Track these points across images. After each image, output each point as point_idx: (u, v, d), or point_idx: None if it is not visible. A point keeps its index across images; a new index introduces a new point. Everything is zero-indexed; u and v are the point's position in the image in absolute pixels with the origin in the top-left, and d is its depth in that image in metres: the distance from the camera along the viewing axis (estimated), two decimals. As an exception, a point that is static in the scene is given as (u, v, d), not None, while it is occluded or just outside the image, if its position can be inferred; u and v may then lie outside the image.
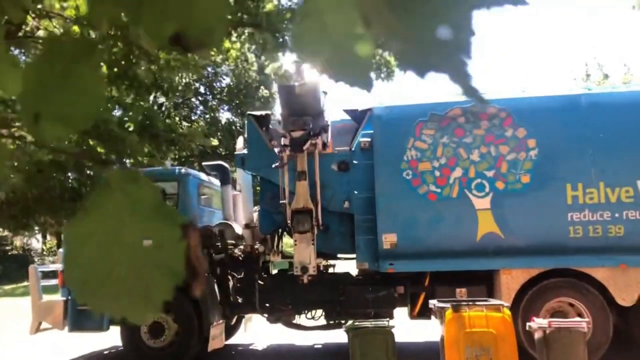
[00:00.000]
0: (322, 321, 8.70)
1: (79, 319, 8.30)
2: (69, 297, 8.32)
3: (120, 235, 0.51)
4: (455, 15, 0.55)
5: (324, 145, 8.08)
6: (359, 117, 8.49)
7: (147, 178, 0.53)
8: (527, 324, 6.23)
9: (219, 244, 8.57)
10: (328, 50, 0.51)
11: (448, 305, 5.85)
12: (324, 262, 8.73)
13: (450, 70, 0.56)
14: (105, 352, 9.61)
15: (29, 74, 0.54)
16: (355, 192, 8.20)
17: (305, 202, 7.96)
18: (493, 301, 6.34)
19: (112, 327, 8.36)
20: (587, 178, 7.56)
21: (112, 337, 8.94)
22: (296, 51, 0.53)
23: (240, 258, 8.97)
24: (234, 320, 9.51)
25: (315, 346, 9.52)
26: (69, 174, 5.83)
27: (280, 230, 8.98)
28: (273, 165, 8.23)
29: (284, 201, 8.20)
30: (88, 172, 5.81)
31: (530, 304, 7.48)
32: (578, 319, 6.54)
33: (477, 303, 5.99)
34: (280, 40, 8.36)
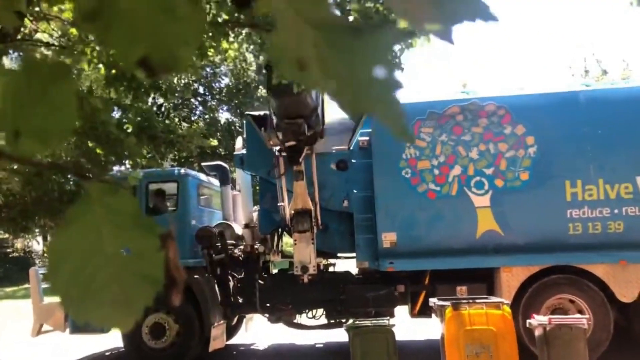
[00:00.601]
0: (323, 320, 8.71)
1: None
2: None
3: (101, 247, 0.52)
4: (388, 53, 0.56)
5: (320, 136, 7.80)
6: (357, 115, 8.48)
7: (126, 190, 0.54)
8: (527, 321, 6.23)
9: (218, 244, 8.57)
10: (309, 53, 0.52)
11: (448, 303, 5.85)
12: (324, 262, 8.74)
13: (383, 111, 0.57)
14: (107, 354, 9.61)
15: (7, 92, 0.55)
16: (354, 191, 8.21)
17: (303, 203, 7.94)
18: (493, 299, 6.34)
19: (113, 329, 8.37)
20: (586, 175, 7.57)
21: (113, 339, 8.95)
22: (274, 55, 0.54)
23: (240, 258, 8.98)
24: (235, 320, 9.52)
25: (317, 345, 9.53)
26: (68, 176, 5.86)
27: (280, 230, 8.99)
28: (269, 172, 8.18)
29: (282, 204, 8.20)
30: (88, 174, 5.84)
31: (531, 301, 7.48)
32: (578, 315, 6.53)
33: (477, 301, 5.99)
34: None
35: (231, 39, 7.58)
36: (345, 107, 0.57)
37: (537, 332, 5.91)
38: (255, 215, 9.40)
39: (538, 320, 5.90)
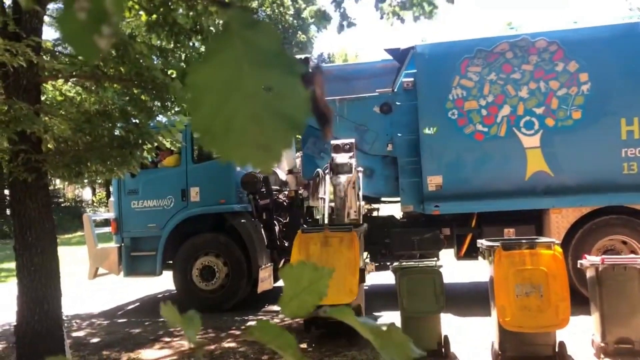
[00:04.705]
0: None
1: (133, 264, 8.63)
2: (123, 244, 8.64)
3: (241, 83, 0.49)
4: None
5: None
6: (401, 56, 8.26)
7: (268, 23, 0.50)
8: (579, 261, 6.11)
9: (263, 189, 8.66)
10: None
11: (497, 243, 5.77)
12: (367, 206, 8.74)
13: None
14: (159, 296, 10.01)
15: None
16: (399, 134, 8.08)
17: None
18: (543, 239, 6.22)
19: (164, 272, 8.67)
20: (643, 112, 7.23)
21: (165, 281, 9.28)
22: None
23: (284, 203, 9.07)
24: (282, 263, 9.71)
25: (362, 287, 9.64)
26: (116, 123, 5.93)
27: (323, 175, 8.98)
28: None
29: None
30: (134, 120, 5.90)
31: (581, 242, 7.34)
32: (632, 255, 6.38)
33: (527, 241, 5.88)
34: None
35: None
36: None
37: (589, 273, 5.79)
38: (298, 161, 9.42)
39: (590, 261, 5.76)
